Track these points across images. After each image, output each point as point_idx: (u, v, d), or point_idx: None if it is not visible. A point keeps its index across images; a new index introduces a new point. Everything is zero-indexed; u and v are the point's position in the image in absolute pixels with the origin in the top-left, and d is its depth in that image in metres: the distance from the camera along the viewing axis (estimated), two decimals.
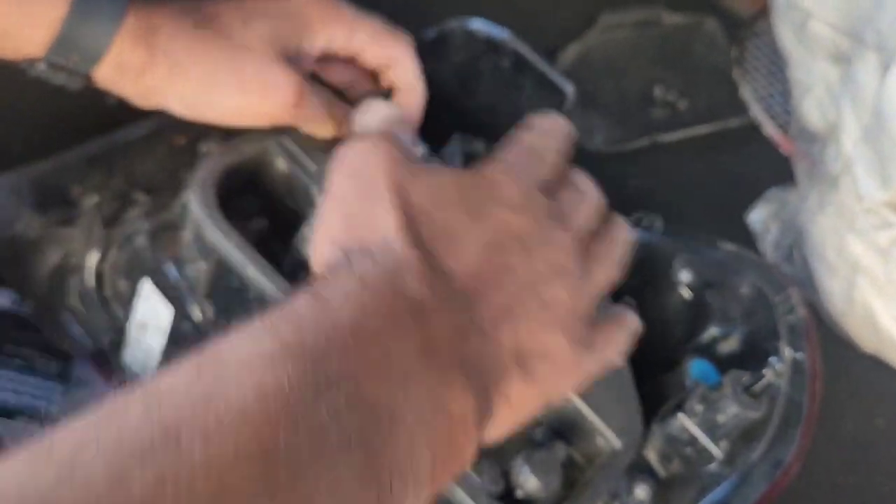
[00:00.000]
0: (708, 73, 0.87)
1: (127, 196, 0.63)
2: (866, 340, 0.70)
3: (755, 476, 0.54)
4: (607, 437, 0.52)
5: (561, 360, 0.44)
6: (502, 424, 0.43)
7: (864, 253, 0.66)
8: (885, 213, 0.64)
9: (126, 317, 0.62)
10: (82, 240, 0.63)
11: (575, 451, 0.54)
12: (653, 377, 0.58)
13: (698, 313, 0.60)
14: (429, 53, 0.64)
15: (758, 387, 0.52)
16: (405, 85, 0.59)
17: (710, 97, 0.85)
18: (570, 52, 0.86)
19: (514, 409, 0.43)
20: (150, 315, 0.60)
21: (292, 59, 0.55)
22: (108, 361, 0.65)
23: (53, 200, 0.64)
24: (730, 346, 0.59)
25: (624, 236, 0.51)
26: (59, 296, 0.65)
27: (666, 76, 0.86)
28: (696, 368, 0.57)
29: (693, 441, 0.53)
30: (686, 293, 0.62)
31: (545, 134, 0.50)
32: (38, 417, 0.62)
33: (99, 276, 0.63)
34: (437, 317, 0.39)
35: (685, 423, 0.53)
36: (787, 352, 0.57)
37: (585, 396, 0.53)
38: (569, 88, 0.61)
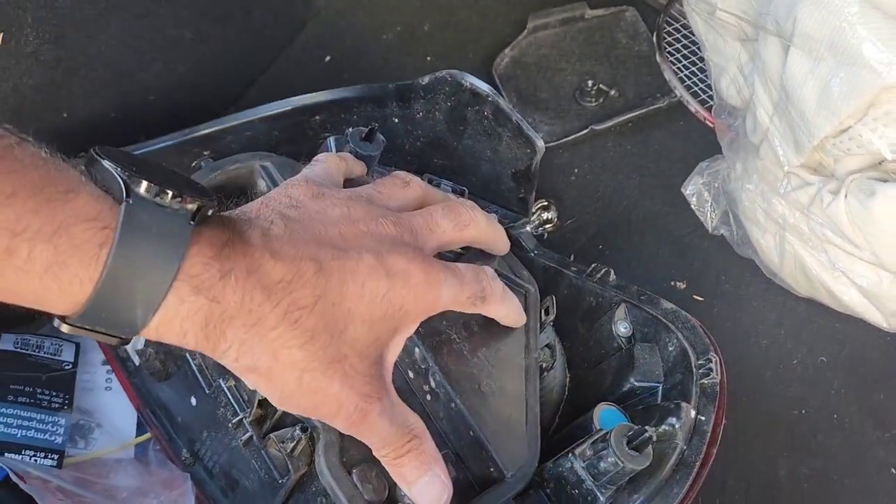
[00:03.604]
0: (633, 61, 0.93)
1: None
2: (801, 287, 0.78)
3: None
4: (498, 466, 0.55)
5: None
6: None
7: (788, 211, 0.73)
8: (803, 174, 0.71)
9: None
10: None
11: (472, 477, 0.56)
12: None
13: (627, 365, 0.63)
14: (421, 98, 0.71)
15: (638, 441, 0.53)
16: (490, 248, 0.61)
17: (637, 83, 0.91)
18: (506, 58, 0.93)
19: None
20: None
21: (380, 356, 0.50)
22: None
23: None
24: (651, 399, 0.62)
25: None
26: None
27: (595, 68, 0.93)
28: (603, 415, 0.59)
29: (580, 483, 0.54)
30: (621, 345, 0.65)
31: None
32: (44, 449, 0.66)
33: None
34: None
35: (575, 465, 0.54)
36: (691, 413, 0.57)
37: (484, 426, 0.55)
38: (540, 144, 0.66)
